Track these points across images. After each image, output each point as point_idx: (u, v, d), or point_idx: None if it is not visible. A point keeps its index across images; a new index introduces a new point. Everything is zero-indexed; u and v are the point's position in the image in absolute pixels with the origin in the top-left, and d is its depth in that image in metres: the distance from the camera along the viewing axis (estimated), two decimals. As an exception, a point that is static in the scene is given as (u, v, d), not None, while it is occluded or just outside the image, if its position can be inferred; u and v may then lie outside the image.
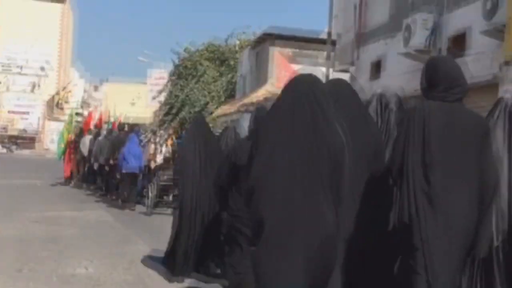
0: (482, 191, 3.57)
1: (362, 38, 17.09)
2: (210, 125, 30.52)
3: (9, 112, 62.30)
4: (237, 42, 35.68)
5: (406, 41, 13.43)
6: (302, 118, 3.37)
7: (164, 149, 16.38)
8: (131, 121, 62.55)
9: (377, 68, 16.17)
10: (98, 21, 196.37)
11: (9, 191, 17.04)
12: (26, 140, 62.05)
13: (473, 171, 3.55)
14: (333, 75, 19.85)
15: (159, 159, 15.47)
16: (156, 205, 13.25)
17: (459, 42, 12.46)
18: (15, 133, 62.28)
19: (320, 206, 3.25)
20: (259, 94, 26.79)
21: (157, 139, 17.91)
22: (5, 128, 62.29)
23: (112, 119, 26.05)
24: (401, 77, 14.63)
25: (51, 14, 63.48)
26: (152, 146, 16.62)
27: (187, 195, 6.90)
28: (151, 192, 13.36)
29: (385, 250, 3.82)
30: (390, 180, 3.85)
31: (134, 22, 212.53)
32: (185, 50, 37.58)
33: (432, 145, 3.54)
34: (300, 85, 3.52)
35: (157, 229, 7.21)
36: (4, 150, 58.63)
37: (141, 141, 16.00)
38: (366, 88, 16.90)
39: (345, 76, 20.72)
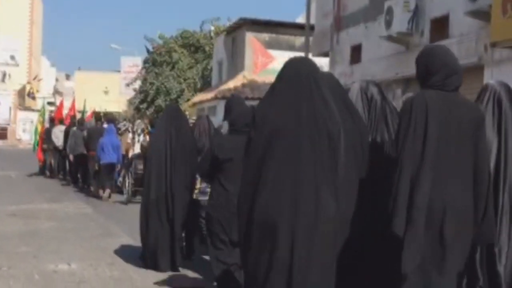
0: (476, 180, 3.63)
1: (341, 22, 16.87)
2: (187, 113, 30.20)
3: (-21, 102, 61.01)
4: (212, 28, 35.24)
5: (388, 24, 13.26)
6: (303, 103, 3.42)
7: (141, 138, 15.77)
8: (104, 110, 62.00)
9: (357, 52, 15.98)
10: (67, 11, 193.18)
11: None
12: (-3, 130, 60.95)
13: (469, 161, 3.62)
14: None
15: (137, 148, 14.98)
16: (134, 194, 13.14)
17: (441, 24, 12.32)
18: (-15, 123, 61.11)
19: (320, 190, 3.34)
20: (236, 81, 26.47)
21: (135, 128, 17.59)
22: (-25, 119, 61.07)
23: (86, 110, 25.74)
24: (382, 61, 14.48)
25: (20, 2, 62.07)
26: (130, 135, 16.46)
27: (153, 183, 6.86)
28: (129, 181, 13.29)
29: (383, 237, 3.80)
30: (389, 168, 3.78)
31: (104, 11, 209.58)
32: (159, 36, 37.10)
33: (434, 134, 3.57)
34: (300, 68, 3.55)
35: (137, 219, 6.88)
36: (-25, 141, 57.43)
37: (119, 129, 16.05)
38: (347, 73, 16.75)
39: (325, 61, 20.55)
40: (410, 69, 13.80)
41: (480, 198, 3.63)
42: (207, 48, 35.51)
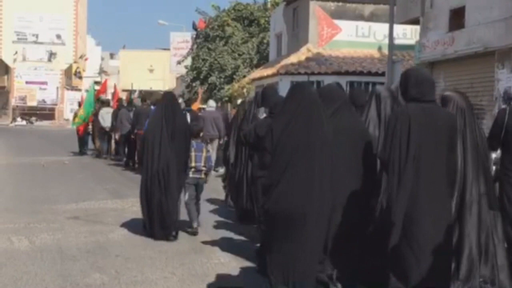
0: (449, 178, 4.56)
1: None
2: (244, 90, 28.07)
3: (27, 82, 60.17)
4: (269, -1, 33.02)
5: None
6: (303, 119, 4.62)
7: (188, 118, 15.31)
8: (150, 88, 60.70)
9: (459, 16, 13.65)
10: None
11: (34, 172, 14.98)
12: (45, 111, 60.11)
13: (444, 161, 4.47)
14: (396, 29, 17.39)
15: None
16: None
17: None
18: (34, 104, 60.23)
19: (314, 181, 4.49)
20: (300, 55, 24.29)
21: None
22: (23, 99, 60.26)
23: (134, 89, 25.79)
24: (497, 25, 12.18)
25: (64, -20, 60.92)
26: None
27: (151, 161, 7.53)
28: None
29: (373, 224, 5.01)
30: (379, 167, 5.05)
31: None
32: (212, 7, 35.05)
33: (415, 140, 4.39)
34: (303, 93, 4.77)
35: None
36: (24, 122, 56.80)
37: None
38: (446, 41, 14.47)
39: (411, 29, 18.21)
40: (537, 34, 11.61)
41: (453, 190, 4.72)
42: (262, 21, 33.36)
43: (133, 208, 9.84)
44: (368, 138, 5.33)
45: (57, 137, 31.06)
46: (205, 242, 7.41)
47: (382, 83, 21.49)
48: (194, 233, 7.78)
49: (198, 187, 8.09)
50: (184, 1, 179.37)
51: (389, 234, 4.40)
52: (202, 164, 7.98)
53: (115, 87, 25.51)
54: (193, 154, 7.89)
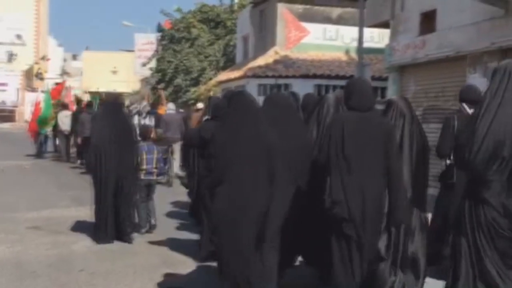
0: (389, 176, 4.79)
1: (407, -16, 14.41)
2: (211, 92, 27.74)
3: (-15, 84, 58.76)
4: (236, 0, 32.65)
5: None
6: (248, 128, 4.83)
7: (147, 120, 15.95)
8: (113, 90, 59.77)
9: (430, 19, 13.50)
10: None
11: (-7, 178, 14.37)
12: (5, 112, 58.71)
13: (379, 162, 4.78)
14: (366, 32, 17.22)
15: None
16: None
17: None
18: (-7, 106, 58.93)
19: (257, 189, 4.71)
20: (267, 57, 24.02)
21: (141, 108, 17.32)
22: (-18, 101, 58.84)
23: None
24: (469, 29, 12.05)
25: (25, -21, 59.62)
26: (136, 116, 16.29)
27: (103, 166, 7.59)
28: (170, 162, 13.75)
29: (319, 220, 5.06)
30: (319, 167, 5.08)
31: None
32: (175, 10, 34.61)
33: (347, 143, 4.77)
34: (244, 102, 5.00)
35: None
36: (-17, 125, 55.37)
37: (130, 111, 16.29)
38: (417, 44, 14.34)
39: (380, 33, 18.10)
40: (510, 37, 11.47)
41: (392, 191, 4.81)
42: (228, 23, 33.03)
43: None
44: (307, 144, 5.58)
45: (17, 140, 30.16)
46: (174, 254, 7.04)
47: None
48: (149, 231, 8.09)
49: (150, 188, 8.28)
50: (149, 2, 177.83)
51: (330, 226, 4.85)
52: (154, 166, 8.18)
53: (65, 88, 25.23)
54: (144, 156, 8.05)
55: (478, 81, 11.82)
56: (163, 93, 25.87)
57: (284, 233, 4.86)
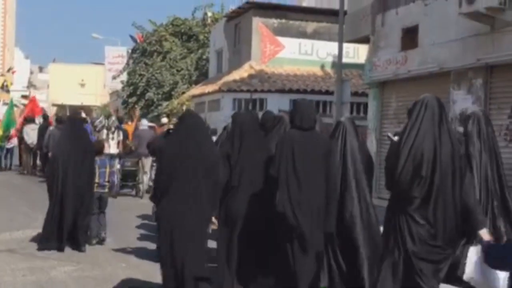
0: (327, 186, 5.48)
1: (388, 0, 14.30)
2: (184, 106, 27.33)
3: (-51, 96, 57.29)
4: (209, 14, 32.33)
5: (470, -1, 10.67)
6: (192, 144, 5.40)
7: (115, 135, 16.34)
8: (81, 103, 58.84)
9: (412, 35, 13.39)
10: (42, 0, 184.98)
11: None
12: (-31, 126, 57.40)
13: (321, 174, 5.49)
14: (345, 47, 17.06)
15: (112, 145, 15.84)
16: (121, 188, 14.01)
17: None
18: (-44, 119, 57.51)
19: (193, 193, 5.27)
20: (242, 71, 23.73)
21: (110, 123, 17.15)
22: None
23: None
24: (454, 45, 11.93)
25: (-9, -11, 58.41)
26: (105, 131, 16.34)
27: (61, 179, 8.11)
28: (117, 176, 13.14)
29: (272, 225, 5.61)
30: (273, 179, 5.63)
31: (84, 0, 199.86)
32: (149, 22, 34.13)
33: (296, 157, 5.45)
34: (191, 119, 5.70)
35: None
36: None
37: (95, 126, 16.42)
38: (398, 60, 14.19)
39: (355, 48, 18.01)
40: (495, 54, 11.35)
41: (330, 200, 5.50)
42: (201, 37, 32.68)
43: (75, 239, 8.93)
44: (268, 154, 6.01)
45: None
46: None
47: (326, 102, 21.28)
48: (100, 243, 8.54)
49: (101, 200, 8.78)
50: (119, 15, 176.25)
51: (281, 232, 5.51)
52: (106, 179, 8.76)
53: (33, 101, 24.56)
54: (97, 171, 8.60)
55: (460, 97, 11.72)
56: (138, 111, 25.65)
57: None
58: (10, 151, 21.25)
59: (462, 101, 11.79)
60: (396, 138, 5.66)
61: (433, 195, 4.59)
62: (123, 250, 8.20)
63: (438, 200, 4.60)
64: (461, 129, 6.53)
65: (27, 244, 8.35)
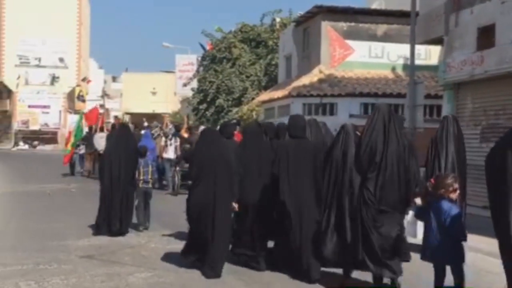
0: (317, 185, 7.06)
1: (462, -1, 13.88)
2: (253, 112, 27.38)
3: (29, 106, 59.59)
4: (278, 20, 32.37)
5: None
6: (211, 145, 7.52)
7: (172, 141, 18.00)
8: (152, 111, 60.10)
9: (488, 34, 12.94)
10: (115, 11, 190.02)
11: (40, 202, 14.24)
12: (48, 134, 59.43)
13: (312, 174, 7.12)
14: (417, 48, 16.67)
15: (170, 150, 17.74)
16: (180, 187, 16.03)
17: None
18: (36, 127, 59.58)
19: (215, 185, 7.25)
20: (312, 76, 23.59)
21: (167, 130, 19.41)
22: (26, 123, 59.62)
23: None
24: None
25: (68, 4, 60.50)
26: (163, 139, 18.27)
27: (107, 175, 9.90)
28: (178, 177, 16.44)
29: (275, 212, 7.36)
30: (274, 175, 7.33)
31: (154, 10, 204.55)
32: (216, 30, 34.55)
33: (291, 161, 7.15)
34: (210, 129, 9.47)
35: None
36: (26, 146, 56.08)
37: (152, 134, 18.46)
38: (474, 60, 13.75)
39: (427, 49, 17.53)
40: None
41: (320, 197, 7.03)
42: (269, 42, 32.77)
43: (151, 245, 9.09)
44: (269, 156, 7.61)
45: (60, 162, 30.22)
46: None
47: (398, 105, 20.83)
48: (145, 229, 10.27)
49: (147, 194, 10.58)
50: (188, 24, 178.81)
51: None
52: (149, 176, 10.57)
53: (98, 112, 25.82)
54: (141, 169, 10.37)
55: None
56: (187, 118, 26.29)
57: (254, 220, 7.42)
58: (82, 156, 23.15)
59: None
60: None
61: (380, 174, 6.23)
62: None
63: (385, 178, 6.23)
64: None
65: (105, 251, 8.52)
